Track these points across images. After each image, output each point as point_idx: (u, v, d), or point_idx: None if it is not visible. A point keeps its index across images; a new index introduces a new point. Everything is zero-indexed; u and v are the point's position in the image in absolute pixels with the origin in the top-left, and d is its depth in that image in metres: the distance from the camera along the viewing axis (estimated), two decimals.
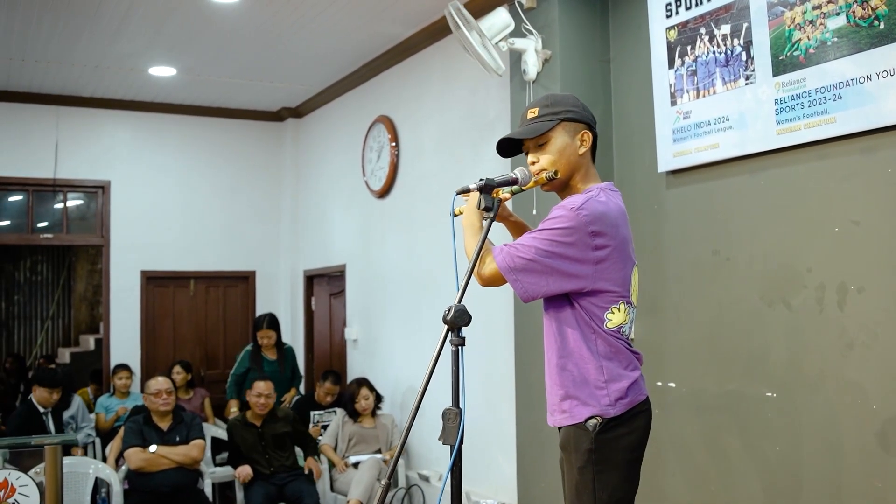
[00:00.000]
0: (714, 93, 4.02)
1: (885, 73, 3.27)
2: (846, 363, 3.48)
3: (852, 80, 3.38)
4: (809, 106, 3.56)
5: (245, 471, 5.56)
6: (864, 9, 3.33)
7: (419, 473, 6.06)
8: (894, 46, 3.23)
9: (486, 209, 2.33)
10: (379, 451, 6.08)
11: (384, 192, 6.77)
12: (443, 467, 6.01)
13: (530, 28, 4.68)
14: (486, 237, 2.30)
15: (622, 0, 4.69)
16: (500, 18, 4.55)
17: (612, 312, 2.33)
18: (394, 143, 6.58)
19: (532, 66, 4.69)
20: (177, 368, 7.16)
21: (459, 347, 2.17)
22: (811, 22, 3.54)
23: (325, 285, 8.22)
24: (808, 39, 3.56)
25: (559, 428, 2.45)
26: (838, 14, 3.43)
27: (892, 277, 3.31)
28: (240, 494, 5.63)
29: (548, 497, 4.60)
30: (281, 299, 8.53)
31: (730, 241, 3.99)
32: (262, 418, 5.80)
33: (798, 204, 3.69)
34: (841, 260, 3.51)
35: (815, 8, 3.52)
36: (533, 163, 2.44)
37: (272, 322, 6.97)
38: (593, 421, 2.30)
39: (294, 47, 6.42)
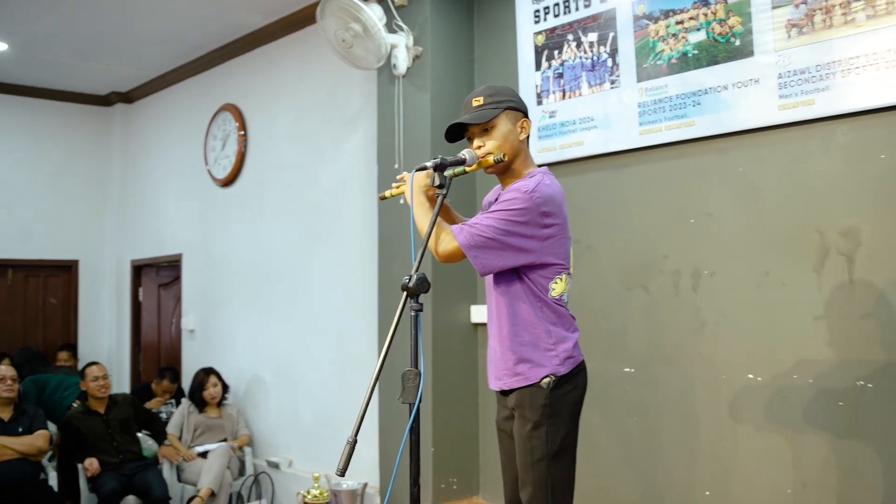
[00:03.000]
0: (580, 95, 4.38)
1: (739, 84, 3.72)
2: (699, 340, 3.91)
3: (710, 88, 3.82)
4: (671, 110, 3.98)
5: (94, 464, 5.38)
6: (722, 26, 3.78)
7: (268, 461, 6.08)
8: (748, 61, 3.69)
9: (440, 186, 2.50)
10: (225, 441, 6.05)
11: (229, 181, 6.73)
12: (291, 454, 6.08)
13: (401, 24, 4.87)
14: (437, 213, 2.48)
15: (487, 3, 4.98)
16: (375, 13, 4.71)
17: (556, 282, 2.59)
18: (242, 132, 6.57)
19: (402, 61, 4.88)
20: (6, 361, 6.77)
21: (418, 313, 2.33)
22: (674, 35, 3.96)
23: (154, 276, 8.02)
24: (671, 51, 3.98)
25: (504, 392, 2.67)
26: (699, 30, 3.87)
27: (740, 263, 3.77)
28: (85, 486, 5.44)
29: (408, 474, 4.79)
30: (105, 290, 8.24)
31: (592, 232, 4.34)
32: (105, 404, 5.64)
33: (657, 198, 4.10)
34: (695, 248, 3.94)
35: (677, 23, 3.94)
36: (479, 147, 2.64)
37: None
38: (547, 380, 2.55)
39: (138, 28, 6.25)
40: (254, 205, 6.50)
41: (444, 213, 2.84)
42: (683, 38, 3.93)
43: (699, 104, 3.87)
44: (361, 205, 5.48)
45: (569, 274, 2.65)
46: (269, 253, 6.32)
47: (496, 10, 4.92)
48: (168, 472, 5.81)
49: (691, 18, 3.89)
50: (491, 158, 2.60)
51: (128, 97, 8.06)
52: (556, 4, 4.48)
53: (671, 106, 3.97)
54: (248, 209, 6.56)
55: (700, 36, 3.86)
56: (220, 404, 6.21)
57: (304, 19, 5.84)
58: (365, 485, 4.93)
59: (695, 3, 3.88)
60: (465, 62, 5.00)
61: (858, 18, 3.34)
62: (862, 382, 3.35)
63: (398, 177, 2.77)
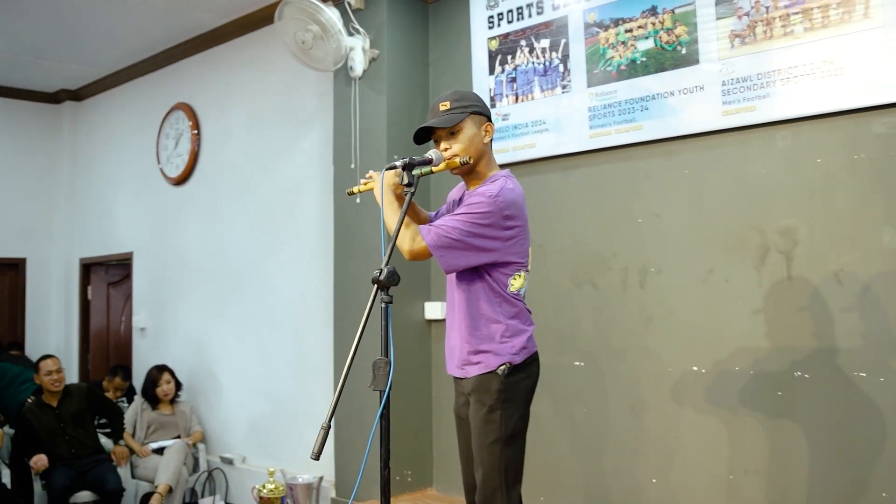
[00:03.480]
0: (532, 99, 4.54)
1: (685, 91, 3.91)
2: (646, 334, 4.10)
3: (658, 94, 4.01)
4: (620, 114, 4.15)
5: (41, 461, 5.37)
6: (669, 35, 3.96)
7: (221, 457, 6.14)
8: (693, 68, 3.88)
9: (408, 185, 2.63)
10: (178, 437, 6.09)
11: (182, 180, 6.76)
12: (245, 450, 6.14)
13: (358, 27, 4.98)
14: (406, 212, 2.60)
15: (442, 9, 5.12)
16: (333, 15, 4.81)
17: (514, 278, 2.74)
18: (195, 131, 6.60)
19: (359, 63, 4.99)
20: None
21: (388, 305, 2.45)
22: (623, 43, 4.14)
23: (104, 274, 7.99)
24: (620, 58, 4.16)
25: (460, 379, 2.81)
26: (647, 38, 4.05)
27: (685, 260, 3.96)
28: (38, 484, 5.44)
29: (366, 469, 4.90)
30: (53, 288, 8.17)
31: (543, 231, 4.49)
32: (58, 398, 5.63)
33: (606, 198, 4.27)
34: (643, 246, 4.13)
35: (626, 31, 4.12)
36: (446, 149, 2.77)
37: None
38: (503, 367, 2.70)
39: (90, 26, 6.24)
40: (207, 203, 6.54)
41: (410, 210, 2.97)
42: (632, 45, 4.11)
43: (647, 109, 4.05)
44: (317, 204, 5.57)
45: (527, 271, 2.80)
46: (224, 251, 6.38)
47: (450, 16, 5.06)
48: (122, 469, 5.82)
49: (640, 27, 4.07)
50: (457, 160, 2.73)
51: (77, 95, 8.02)
52: (510, 11, 4.64)
53: (620, 110, 4.15)
54: (202, 208, 6.60)
55: (648, 44, 4.05)
56: (173, 401, 6.25)
57: (260, 20, 5.91)
58: (321, 478, 5.02)
59: (643, 12, 4.06)
60: (421, 65, 5.13)
61: (797, 30, 3.55)
62: (799, 372, 3.55)
63: (367, 174, 2.88)
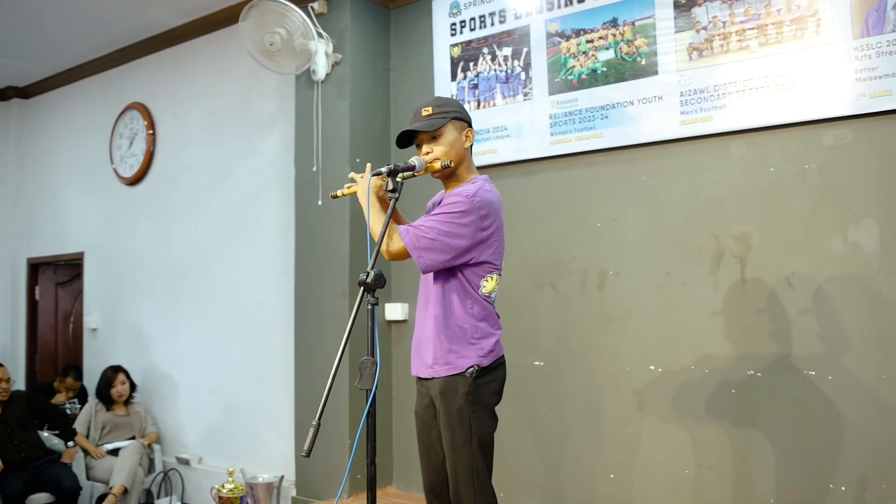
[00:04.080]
0: (494, 105, 4.65)
1: (644, 100, 4.06)
2: (605, 334, 4.24)
3: (617, 103, 4.15)
4: (580, 122, 4.29)
5: None
6: (629, 46, 4.11)
7: (177, 457, 6.13)
8: (652, 79, 4.04)
9: (392, 190, 2.71)
10: (133, 439, 6.06)
11: (136, 180, 6.72)
12: (201, 451, 6.14)
13: (321, 31, 5.03)
14: (391, 216, 2.69)
15: (404, 15, 5.20)
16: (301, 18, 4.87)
17: (487, 280, 2.83)
18: (151, 132, 6.57)
19: (322, 67, 5.05)
20: None
21: (374, 307, 2.53)
22: (584, 53, 4.28)
23: (52, 274, 7.89)
24: (581, 67, 4.29)
25: (427, 379, 2.88)
26: (608, 49, 4.19)
27: (643, 263, 4.11)
28: None
29: (326, 466, 4.97)
30: None
31: (504, 234, 4.59)
32: (3, 405, 5.58)
33: (566, 203, 4.40)
34: (602, 250, 4.27)
35: (588, 42, 4.26)
36: (427, 152, 2.86)
37: None
38: (471, 369, 2.77)
39: (41, 22, 6.14)
40: (163, 204, 6.52)
41: (394, 215, 3.05)
42: (593, 55, 4.24)
43: (607, 117, 4.19)
44: (277, 206, 5.60)
45: (500, 274, 2.90)
46: (180, 252, 6.36)
47: (412, 22, 5.14)
48: (77, 469, 5.78)
49: (601, 38, 4.21)
50: (438, 164, 2.82)
51: (25, 92, 7.88)
52: (473, 19, 4.74)
53: (581, 118, 4.28)
54: (157, 208, 6.57)
55: (609, 54, 4.19)
56: (127, 402, 6.21)
57: (220, 21, 5.91)
58: (281, 477, 5.08)
59: (604, 24, 4.20)
60: (382, 70, 5.20)
61: (752, 45, 3.72)
62: (753, 372, 3.73)
63: (350, 176, 2.96)
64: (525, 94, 4.52)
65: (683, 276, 3.97)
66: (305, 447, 2.36)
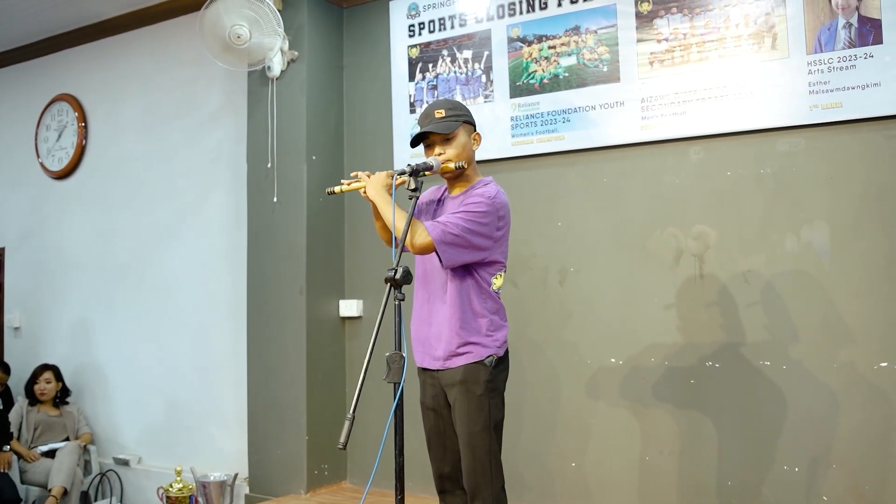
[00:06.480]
0: None
1: (606, 105, 4.27)
2: (565, 329, 4.43)
3: (579, 107, 4.34)
4: (542, 125, 4.46)
5: None
6: (591, 53, 4.31)
7: (115, 458, 6.01)
8: (613, 85, 4.24)
9: (415, 189, 2.81)
10: (67, 440, 5.92)
11: (66, 174, 6.55)
12: (140, 451, 6.04)
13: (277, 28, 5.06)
14: (412, 213, 2.79)
15: (357, 14, 5.27)
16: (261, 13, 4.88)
17: (497, 278, 2.98)
18: (82, 124, 6.42)
19: (277, 63, 5.07)
20: None
21: (400, 302, 2.62)
22: (546, 58, 4.45)
23: None
24: (543, 72, 4.46)
25: (436, 371, 2.99)
26: (570, 55, 4.38)
27: (602, 260, 4.32)
28: None
29: (281, 463, 5.01)
30: None
31: None
32: None
33: (527, 203, 4.56)
34: (563, 248, 4.46)
35: (550, 48, 4.44)
36: (440, 153, 2.97)
37: None
38: (490, 358, 2.92)
39: None
40: (96, 198, 6.37)
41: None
42: (556, 61, 4.42)
43: (569, 121, 4.38)
44: (225, 201, 5.58)
45: (505, 271, 3.05)
46: (115, 247, 6.23)
47: (367, 21, 5.22)
48: (11, 476, 5.61)
49: (563, 44, 4.40)
50: (452, 165, 2.94)
51: None
52: (432, 21, 4.86)
53: (543, 121, 4.46)
54: (90, 202, 6.41)
55: (571, 60, 4.38)
56: (59, 403, 6.06)
57: (160, 13, 5.84)
58: (235, 475, 5.08)
59: (567, 31, 4.38)
60: (336, 68, 5.26)
61: (711, 56, 3.97)
62: (710, 362, 3.98)
63: (354, 175, 3.04)
64: (486, 97, 4.66)
65: (643, 273, 4.20)
66: (342, 440, 2.45)
